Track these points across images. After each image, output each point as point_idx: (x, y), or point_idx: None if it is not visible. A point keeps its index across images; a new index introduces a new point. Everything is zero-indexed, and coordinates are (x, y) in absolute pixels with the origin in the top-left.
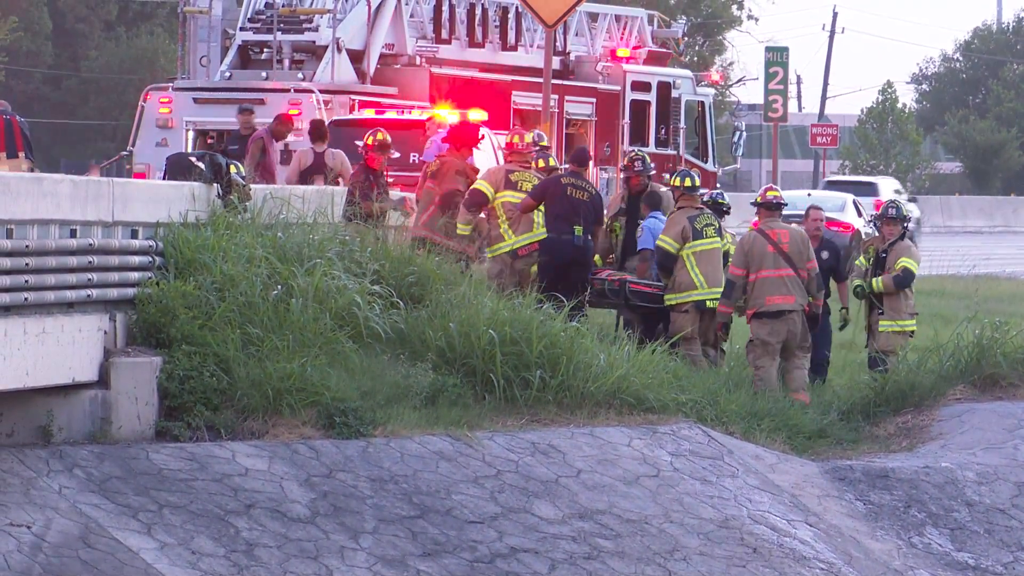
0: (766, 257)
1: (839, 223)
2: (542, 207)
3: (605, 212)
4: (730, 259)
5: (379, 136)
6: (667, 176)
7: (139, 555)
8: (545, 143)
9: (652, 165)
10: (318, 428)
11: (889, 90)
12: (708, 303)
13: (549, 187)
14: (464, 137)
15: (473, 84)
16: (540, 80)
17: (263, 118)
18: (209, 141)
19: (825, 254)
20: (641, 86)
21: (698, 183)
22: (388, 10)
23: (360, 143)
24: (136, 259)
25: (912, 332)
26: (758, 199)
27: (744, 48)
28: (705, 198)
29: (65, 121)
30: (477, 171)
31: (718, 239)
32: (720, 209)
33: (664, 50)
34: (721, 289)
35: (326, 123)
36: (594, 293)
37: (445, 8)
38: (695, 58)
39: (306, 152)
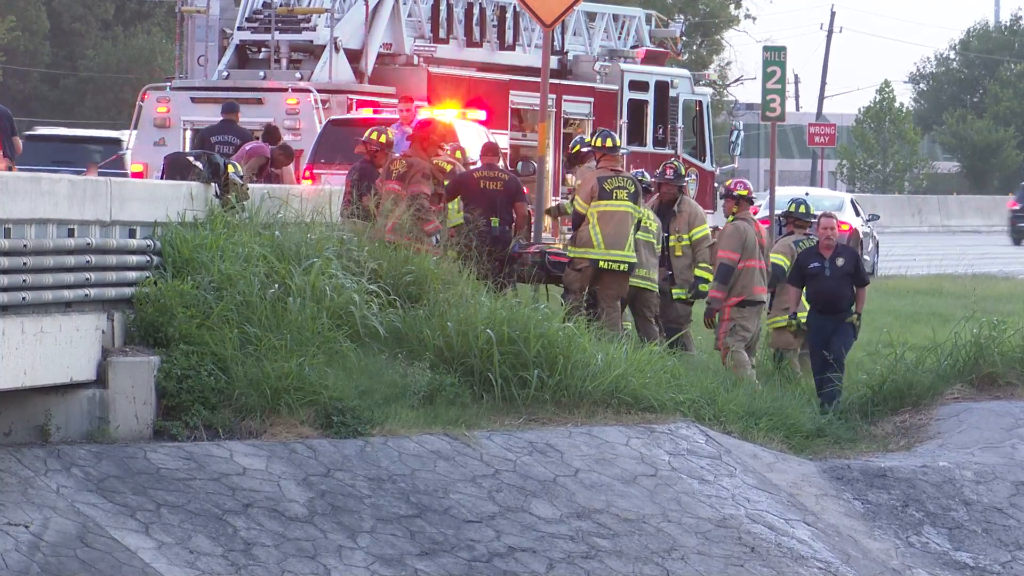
0: (756, 248)
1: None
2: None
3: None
4: (696, 240)
5: (390, 135)
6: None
7: (137, 554)
8: (586, 141)
9: (689, 177)
10: (316, 427)
11: (887, 89)
12: (602, 263)
13: (463, 183)
14: (429, 137)
15: (471, 83)
16: (538, 79)
17: (261, 118)
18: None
19: (841, 260)
20: (639, 85)
21: (619, 143)
22: (386, 10)
23: (366, 139)
24: (134, 258)
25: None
26: (742, 192)
27: (742, 47)
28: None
29: (63, 120)
30: (444, 172)
31: (628, 203)
32: (646, 188)
33: (662, 49)
34: (622, 252)
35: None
36: (522, 268)
37: (443, 8)
38: (693, 57)
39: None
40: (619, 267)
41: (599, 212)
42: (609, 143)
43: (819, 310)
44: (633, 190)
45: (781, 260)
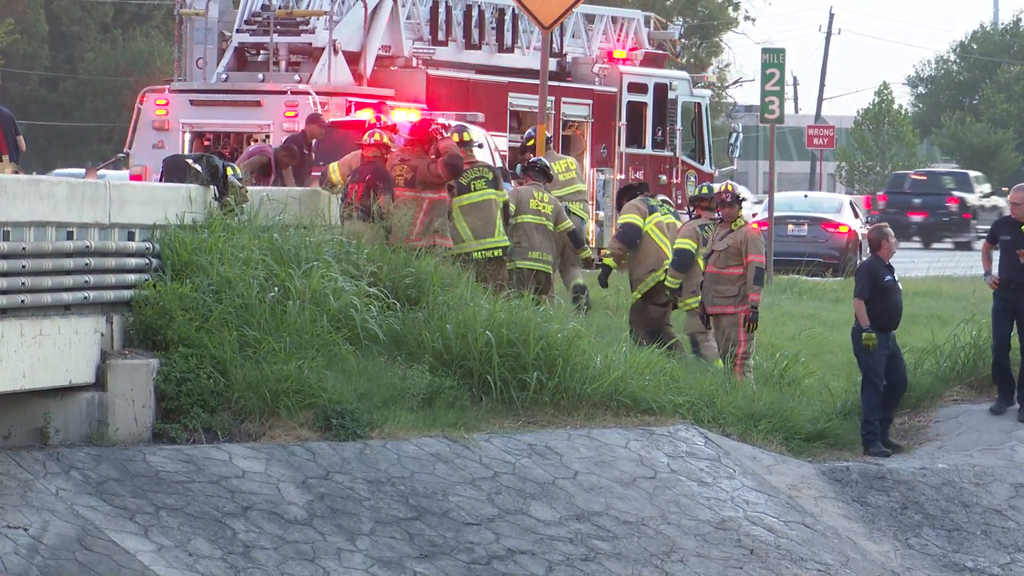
0: None
1: (835, 224)
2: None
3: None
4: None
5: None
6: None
7: (136, 557)
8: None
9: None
10: (315, 430)
11: (885, 92)
12: (475, 254)
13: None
14: (422, 135)
15: (470, 86)
16: (537, 82)
17: (260, 120)
18: (206, 143)
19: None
20: (638, 88)
21: (468, 138)
22: (384, 12)
23: (378, 142)
24: (133, 261)
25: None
26: (743, 196)
27: (741, 50)
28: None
29: (61, 123)
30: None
31: (489, 191)
32: (546, 173)
33: (660, 52)
34: (493, 239)
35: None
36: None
37: (442, 10)
38: (692, 60)
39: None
40: (493, 254)
41: (461, 207)
42: (455, 139)
43: (888, 328)
44: (491, 177)
45: (688, 244)
